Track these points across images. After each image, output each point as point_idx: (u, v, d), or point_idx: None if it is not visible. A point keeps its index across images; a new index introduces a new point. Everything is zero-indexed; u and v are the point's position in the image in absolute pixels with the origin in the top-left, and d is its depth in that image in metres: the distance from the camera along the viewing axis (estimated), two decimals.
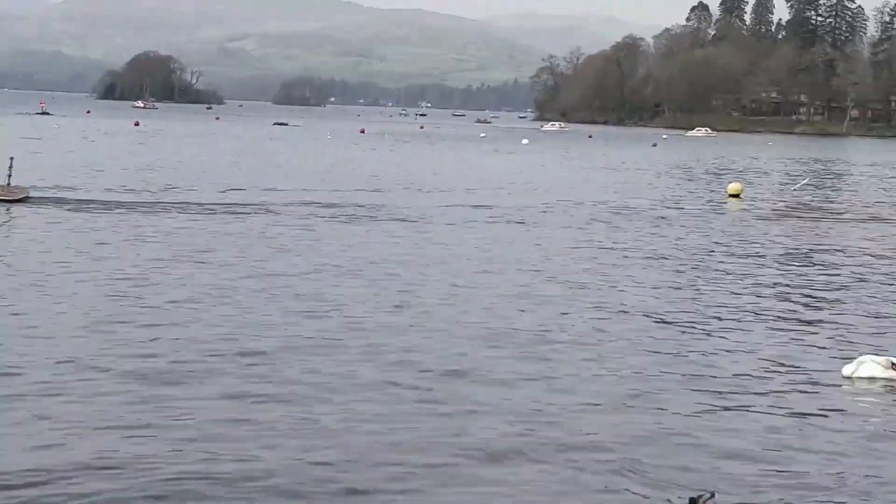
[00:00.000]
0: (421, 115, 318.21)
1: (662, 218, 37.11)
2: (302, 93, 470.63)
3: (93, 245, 24.81)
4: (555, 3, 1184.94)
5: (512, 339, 16.50)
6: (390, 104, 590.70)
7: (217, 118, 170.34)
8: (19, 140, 68.69)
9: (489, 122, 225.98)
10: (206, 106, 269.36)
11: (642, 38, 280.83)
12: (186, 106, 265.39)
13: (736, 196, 47.93)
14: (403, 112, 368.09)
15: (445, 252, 26.19)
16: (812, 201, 48.55)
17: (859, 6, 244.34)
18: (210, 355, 14.64)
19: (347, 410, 12.42)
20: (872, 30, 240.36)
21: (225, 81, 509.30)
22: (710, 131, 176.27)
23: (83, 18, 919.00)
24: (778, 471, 11.08)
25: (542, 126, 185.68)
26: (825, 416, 13.27)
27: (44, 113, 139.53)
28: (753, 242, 30.96)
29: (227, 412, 12.18)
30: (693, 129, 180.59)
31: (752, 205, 44.72)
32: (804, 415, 13.23)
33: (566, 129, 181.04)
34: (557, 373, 14.63)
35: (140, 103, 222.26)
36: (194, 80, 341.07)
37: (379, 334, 16.47)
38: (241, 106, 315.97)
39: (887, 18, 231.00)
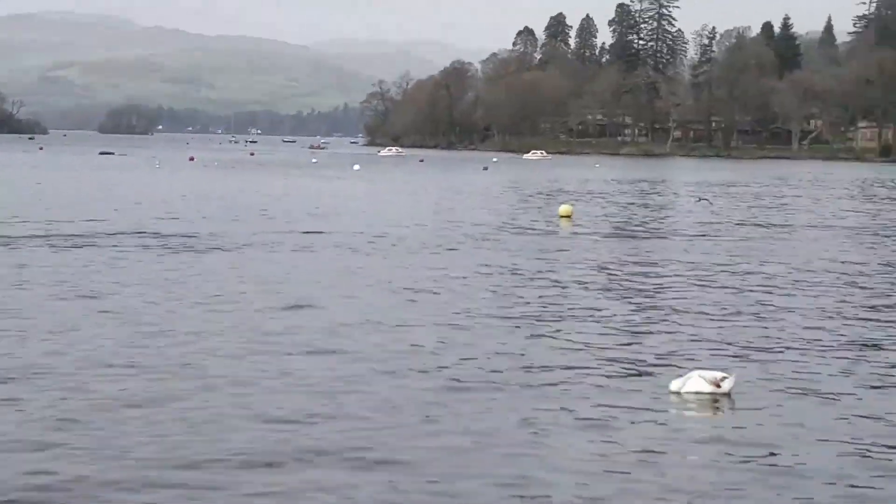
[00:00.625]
0: (251, 141, 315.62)
1: (495, 240, 37.25)
2: (128, 121, 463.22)
3: None
4: (383, 29, 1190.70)
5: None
6: (220, 131, 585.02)
7: (41, 148, 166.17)
8: None
9: (323, 148, 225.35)
10: (29, 136, 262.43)
11: (470, 63, 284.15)
12: (7, 136, 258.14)
13: (567, 217, 48.50)
14: (233, 139, 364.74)
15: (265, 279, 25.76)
16: (640, 221, 49.42)
17: (679, 30, 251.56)
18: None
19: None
20: (692, 53, 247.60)
21: (48, 111, 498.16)
22: (544, 154, 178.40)
23: None
24: (605, 472, 11.09)
25: (378, 151, 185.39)
26: (652, 429, 13.49)
27: None
28: (584, 262, 31.25)
29: None
30: (528, 151, 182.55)
31: (583, 226, 45.26)
32: (630, 427, 13.44)
33: (403, 153, 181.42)
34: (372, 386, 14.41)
35: None
36: (15, 111, 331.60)
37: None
38: (65, 136, 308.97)
39: (706, 41, 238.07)
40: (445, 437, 12.92)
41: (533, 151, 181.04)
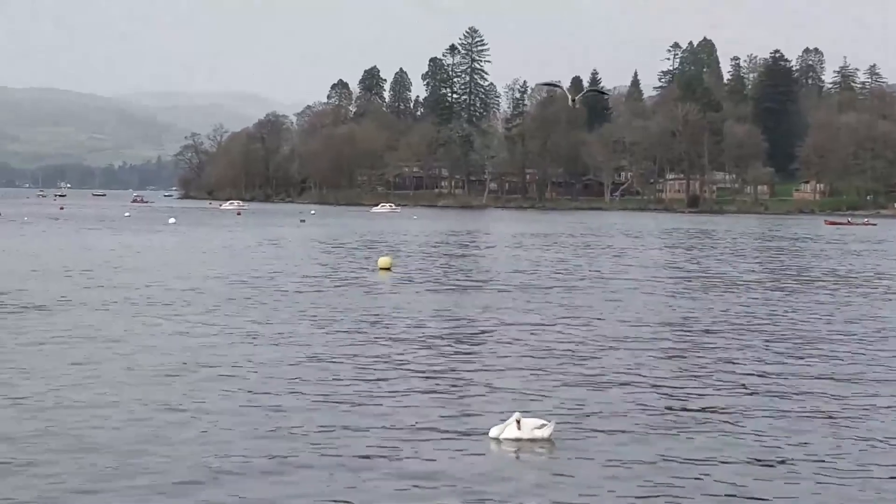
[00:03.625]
0: (60, 195, 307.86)
1: (314, 293, 37.28)
2: None
3: None
4: (194, 81, 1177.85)
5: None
6: (27, 185, 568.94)
7: None
8: None
9: (148, 203, 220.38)
10: None
11: (285, 116, 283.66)
12: None
13: (387, 269, 48.77)
14: (41, 193, 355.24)
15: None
16: (459, 271, 50.06)
17: (491, 83, 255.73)
18: None
19: None
20: (505, 106, 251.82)
21: None
22: (393, 206, 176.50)
23: None
24: None
25: (221, 205, 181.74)
26: (473, 475, 13.83)
27: None
28: (402, 313, 31.52)
29: None
30: (377, 204, 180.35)
31: (402, 277, 45.60)
32: (453, 475, 13.77)
33: (245, 206, 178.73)
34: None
35: None
36: None
37: None
38: None
39: (518, 95, 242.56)
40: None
41: (382, 204, 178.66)
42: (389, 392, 19.17)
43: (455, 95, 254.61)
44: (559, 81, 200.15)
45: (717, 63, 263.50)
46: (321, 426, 16.32)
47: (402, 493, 13.01)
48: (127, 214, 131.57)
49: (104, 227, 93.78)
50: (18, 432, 15.64)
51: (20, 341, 24.28)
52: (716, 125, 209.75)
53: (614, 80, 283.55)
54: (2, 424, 16.13)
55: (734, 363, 23.26)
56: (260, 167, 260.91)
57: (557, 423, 15.96)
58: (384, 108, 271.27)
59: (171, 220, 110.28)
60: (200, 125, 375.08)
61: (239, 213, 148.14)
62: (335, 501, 12.68)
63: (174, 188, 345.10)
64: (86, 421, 16.42)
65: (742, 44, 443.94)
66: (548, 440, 15.56)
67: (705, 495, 13.35)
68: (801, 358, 24.26)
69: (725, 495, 13.37)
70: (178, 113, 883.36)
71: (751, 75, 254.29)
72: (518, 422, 15.57)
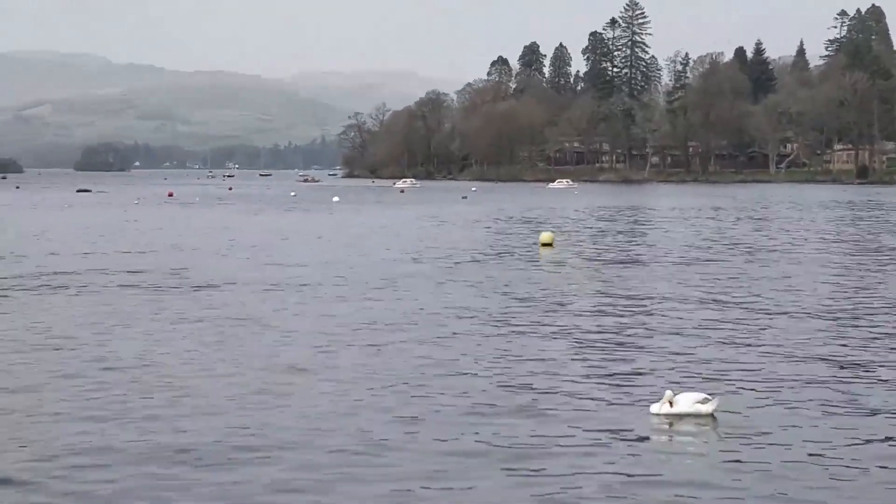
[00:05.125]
0: (229, 176, 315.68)
1: (476, 268, 37.38)
2: (105, 158, 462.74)
3: None
4: (353, 61, 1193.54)
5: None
6: (197, 166, 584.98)
7: (17, 187, 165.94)
8: None
9: (318, 181, 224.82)
10: (1, 175, 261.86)
11: (445, 93, 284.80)
12: None
13: (548, 245, 48.62)
14: (211, 174, 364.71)
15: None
16: (620, 246, 49.62)
17: (653, 56, 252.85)
18: None
19: None
20: (666, 79, 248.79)
21: (22, 150, 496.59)
22: (570, 182, 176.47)
23: None
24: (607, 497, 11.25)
25: (395, 183, 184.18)
26: (635, 453, 13.62)
27: None
28: (564, 289, 31.38)
29: None
30: (554, 181, 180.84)
31: (564, 253, 45.41)
32: (612, 451, 13.58)
33: (417, 184, 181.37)
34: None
35: None
36: None
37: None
38: (40, 174, 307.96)
39: (679, 67, 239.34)
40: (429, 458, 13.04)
41: (559, 180, 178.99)
42: (548, 367, 19.07)
43: (615, 69, 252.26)
44: (721, 53, 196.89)
45: (887, 30, 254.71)
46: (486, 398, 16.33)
47: (560, 465, 12.87)
48: (293, 194, 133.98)
49: (272, 208, 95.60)
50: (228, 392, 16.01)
51: (206, 315, 24.93)
52: (886, 93, 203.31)
53: (778, 51, 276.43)
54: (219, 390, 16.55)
55: None
56: (421, 145, 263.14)
57: (721, 398, 15.62)
58: (544, 84, 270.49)
59: (335, 199, 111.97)
60: (362, 104, 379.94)
61: (402, 192, 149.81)
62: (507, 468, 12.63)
63: (338, 167, 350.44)
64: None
65: None
66: (710, 415, 15.25)
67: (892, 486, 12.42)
68: None
69: None
70: (341, 93, 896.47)
71: None
72: (670, 401, 15.25)
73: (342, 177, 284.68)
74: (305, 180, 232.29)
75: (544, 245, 48.65)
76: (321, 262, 39.42)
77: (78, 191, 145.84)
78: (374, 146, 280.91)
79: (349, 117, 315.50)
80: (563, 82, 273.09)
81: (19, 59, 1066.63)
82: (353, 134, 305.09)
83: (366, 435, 14.26)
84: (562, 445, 13.83)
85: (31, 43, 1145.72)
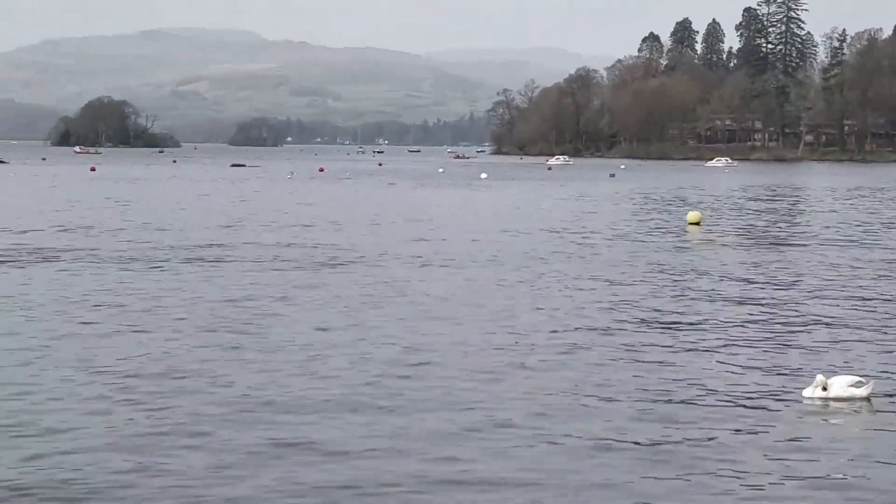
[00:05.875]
0: (378, 152, 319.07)
1: (623, 247, 37.29)
2: (258, 134, 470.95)
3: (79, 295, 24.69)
4: (502, 37, 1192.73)
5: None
6: (347, 142, 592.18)
7: (174, 161, 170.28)
8: None
9: (469, 158, 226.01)
10: (158, 150, 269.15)
11: (595, 70, 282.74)
12: (137, 150, 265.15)
13: (696, 224, 48.20)
14: (361, 150, 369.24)
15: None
16: (771, 227, 48.91)
17: (808, 33, 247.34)
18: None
19: None
20: (822, 56, 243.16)
21: (179, 125, 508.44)
22: (729, 161, 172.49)
23: (33, 66, 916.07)
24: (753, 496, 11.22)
25: (547, 160, 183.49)
26: (789, 436, 13.46)
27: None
28: (713, 269, 31.10)
29: None
30: (711, 159, 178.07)
31: (713, 232, 44.97)
32: (766, 435, 13.44)
33: (570, 162, 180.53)
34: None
35: (77, 149, 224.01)
36: (149, 125, 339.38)
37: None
38: (195, 149, 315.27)
39: (836, 44, 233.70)
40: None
41: (717, 158, 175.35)
42: (701, 349, 18.99)
43: (770, 46, 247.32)
44: (879, 29, 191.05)
45: None
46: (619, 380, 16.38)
47: (714, 452, 12.85)
48: (441, 170, 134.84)
49: (422, 184, 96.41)
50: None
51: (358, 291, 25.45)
52: None
53: None
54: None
55: None
56: (570, 122, 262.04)
57: (876, 385, 15.37)
58: (696, 61, 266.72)
59: (483, 176, 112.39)
60: (510, 81, 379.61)
61: (549, 168, 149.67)
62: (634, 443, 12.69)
63: (486, 144, 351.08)
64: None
65: None
66: (866, 399, 15.03)
67: None
68: None
69: None
70: (489, 69, 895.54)
71: None
72: (824, 385, 15.01)
73: (490, 153, 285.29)
74: (457, 157, 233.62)
75: (692, 224, 48.26)
76: (471, 239, 39.77)
77: (232, 165, 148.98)
78: (522, 123, 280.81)
79: (497, 94, 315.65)
80: (715, 59, 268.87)
81: (177, 36, 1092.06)
82: (501, 110, 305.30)
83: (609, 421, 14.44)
84: (715, 429, 13.68)
85: (187, 20, 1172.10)
